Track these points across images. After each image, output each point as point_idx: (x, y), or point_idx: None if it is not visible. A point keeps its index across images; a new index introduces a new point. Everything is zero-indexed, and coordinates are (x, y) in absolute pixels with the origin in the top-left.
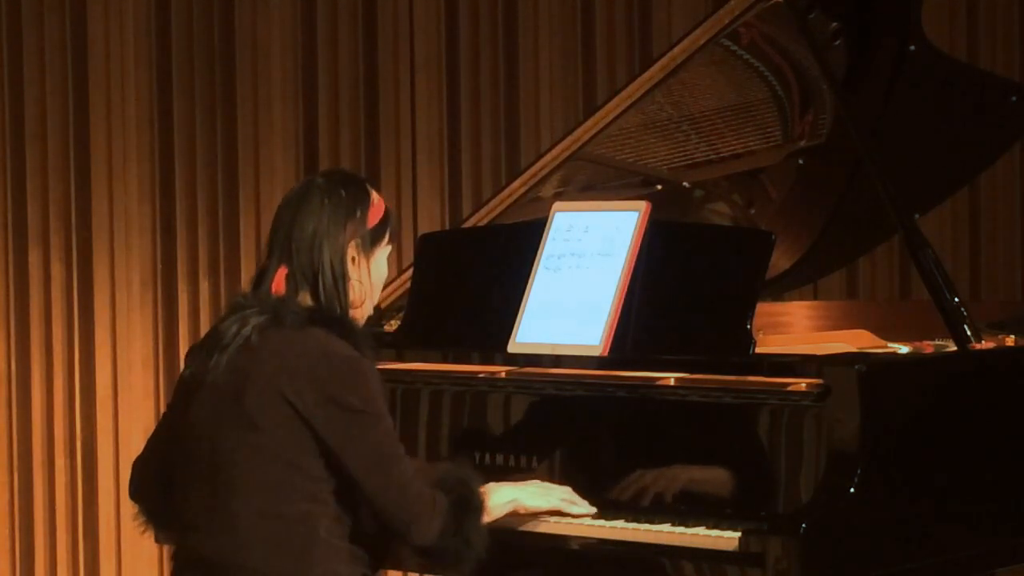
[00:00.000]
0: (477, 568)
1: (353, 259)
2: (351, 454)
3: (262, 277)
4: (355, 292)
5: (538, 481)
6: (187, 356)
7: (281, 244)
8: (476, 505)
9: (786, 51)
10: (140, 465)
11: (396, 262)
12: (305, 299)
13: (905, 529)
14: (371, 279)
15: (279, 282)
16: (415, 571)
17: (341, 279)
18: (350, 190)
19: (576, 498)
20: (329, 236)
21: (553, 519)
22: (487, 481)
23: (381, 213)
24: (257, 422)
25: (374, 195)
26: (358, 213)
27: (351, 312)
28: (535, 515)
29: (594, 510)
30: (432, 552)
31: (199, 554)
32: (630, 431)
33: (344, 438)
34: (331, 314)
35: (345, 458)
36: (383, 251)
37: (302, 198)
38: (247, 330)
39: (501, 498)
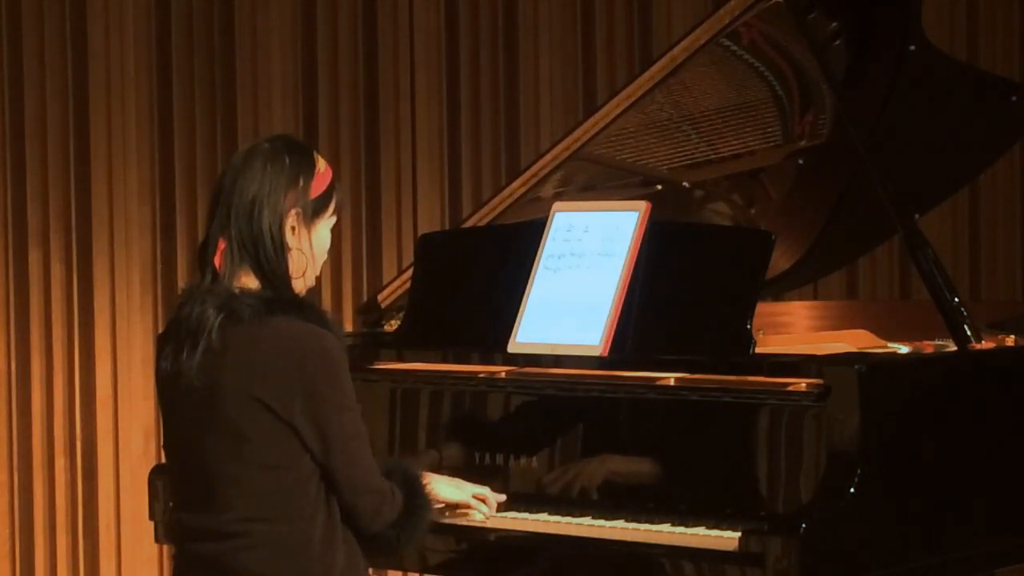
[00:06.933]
0: (479, 568)
1: (293, 228)
2: (327, 437)
3: (205, 249)
4: (295, 262)
5: (456, 479)
6: (157, 349)
7: (221, 211)
8: (423, 504)
9: (786, 51)
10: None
11: (396, 262)
12: (247, 276)
13: (905, 529)
14: (312, 250)
15: (221, 255)
16: (415, 570)
17: (280, 249)
18: (294, 157)
19: (488, 496)
20: (269, 203)
21: (554, 519)
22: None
23: (327, 183)
24: (244, 432)
25: (320, 164)
26: (301, 182)
27: (293, 283)
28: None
29: (503, 497)
30: (374, 539)
31: (199, 556)
32: (630, 431)
33: (320, 426)
34: (287, 296)
35: (325, 443)
36: (326, 223)
37: (245, 163)
38: (208, 325)
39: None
